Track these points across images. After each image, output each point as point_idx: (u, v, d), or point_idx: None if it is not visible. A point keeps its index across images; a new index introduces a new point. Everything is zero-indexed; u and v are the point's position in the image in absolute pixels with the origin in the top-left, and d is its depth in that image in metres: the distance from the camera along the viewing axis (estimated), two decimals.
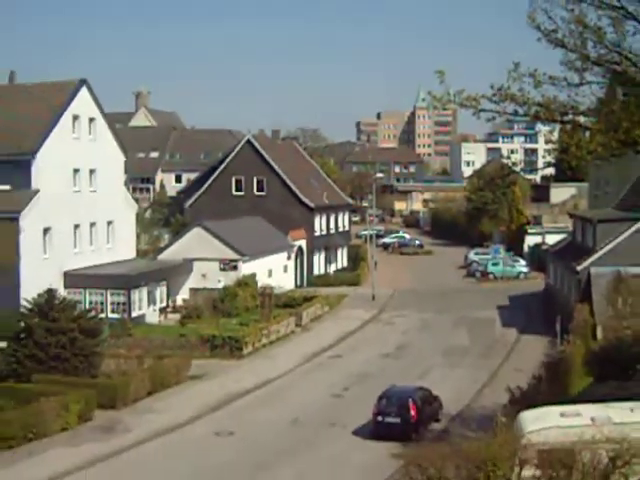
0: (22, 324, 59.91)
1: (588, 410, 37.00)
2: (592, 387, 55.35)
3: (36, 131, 77.80)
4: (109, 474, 47.23)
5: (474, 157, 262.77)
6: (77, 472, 46.70)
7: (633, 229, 74.88)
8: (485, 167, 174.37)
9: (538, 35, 22.65)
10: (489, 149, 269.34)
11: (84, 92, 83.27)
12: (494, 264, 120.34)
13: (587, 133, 22.45)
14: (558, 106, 21.12)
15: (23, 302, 63.58)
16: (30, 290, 65.39)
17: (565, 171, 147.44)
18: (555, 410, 37.91)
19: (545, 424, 35.78)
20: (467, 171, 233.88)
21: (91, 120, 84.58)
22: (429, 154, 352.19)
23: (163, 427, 54.36)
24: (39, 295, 60.98)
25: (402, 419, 50.75)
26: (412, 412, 51.03)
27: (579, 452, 32.16)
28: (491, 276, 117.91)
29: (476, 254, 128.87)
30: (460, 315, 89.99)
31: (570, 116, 21.58)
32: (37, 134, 77.57)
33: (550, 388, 51.80)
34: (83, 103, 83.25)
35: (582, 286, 74.59)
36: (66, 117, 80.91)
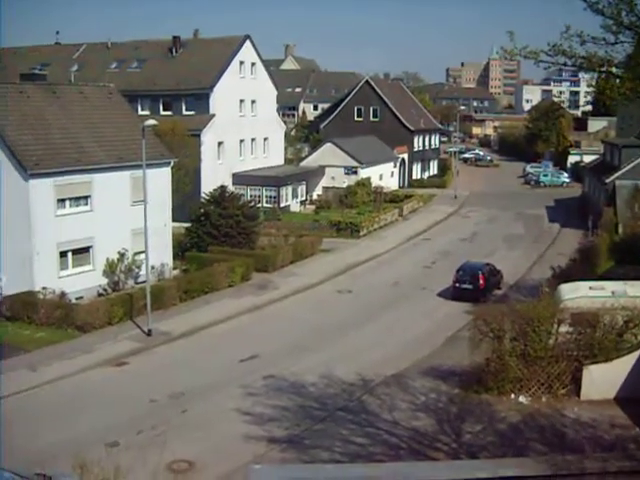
0: (202, 210, 60.61)
1: (610, 285, 36.63)
2: (613, 268, 54.62)
3: (213, 72, 78.08)
4: (263, 317, 48.06)
5: (532, 96, 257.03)
6: (240, 316, 47.59)
7: None
8: (540, 104, 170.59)
9: (584, 5, 22.23)
10: (543, 90, 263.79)
11: (248, 44, 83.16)
12: (544, 175, 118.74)
13: (618, 80, 22.00)
14: (597, 59, 20.68)
15: (203, 194, 64.32)
16: (208, 186, 66.18)
17: (600, 108, 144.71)
18: (585, 284, 37.59)
19: (577, 294, 35.51)
20: (526, 106, 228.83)
21: (252, 64, 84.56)
22: (499, 93, 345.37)
23: (301, 286, 54.93)
24: (214, 189, 61.58)
25: (473, 286, 50.64)
26: (481, 281, 50.88)
27: (602, 316, 31.90)
28: (542, 184, 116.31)
29: (531, 167, 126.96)
30: (518, 212, 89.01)
31: (606, 67, 21.15)
32: (214, 74, 77.86)
33: (582, 268, 51.21)
34: (246, 52, 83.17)
35: (609, 194, 73.33)
36: (235, 62, 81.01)
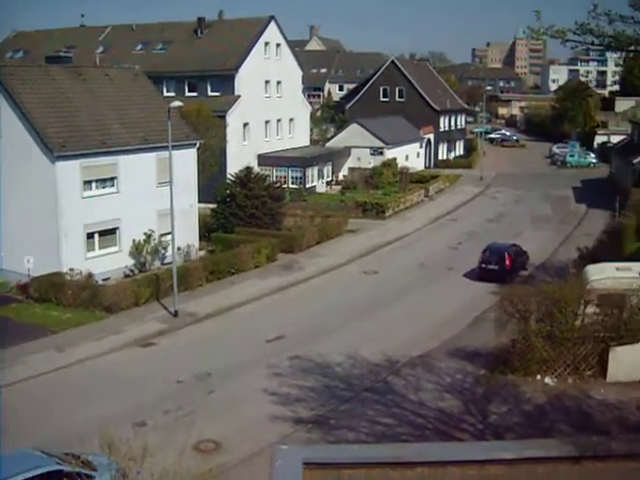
0: (228, 191, 60.74)
1: (637, 266, 36.43)
2: None
3: (238, 53, 78.02)
4: (289, 298, 48.21)
5: (558, 76, 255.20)
6: (265, 297, 47.76)
7: None
8: (567, 84, 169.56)
9: None
10: (570, 70, 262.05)
11: (272, 25, 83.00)
12: (571, 155, 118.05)
13: None
14: (626, 38, 20.49)
15: (229, 175, 64.42)
16: (234, 167, 66.18)
17: (627, 88, 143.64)
18: (612, 265, 37.41)
19: (604, 275, 35.35)
20: (553, 86, 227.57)
21: (277, 45, 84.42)
22: (525, 73, 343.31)
23: (327, 266, 54.99)
24: (240, 170, 61.65)
25: (499, 267, 50.55)
26: (507, 262, 50.79)
27: (629, 297, 31.82)
28: (568, 165, 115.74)
29: (558, 148, 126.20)
30: (544, 192, 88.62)
31: (634, 46, 20.99)
32: (239, 55, 77.79)
33: (609, 249, 50.98)
34: (271, 33, 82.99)
35: (636, 175, 73.01)
36: (260, 43, 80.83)
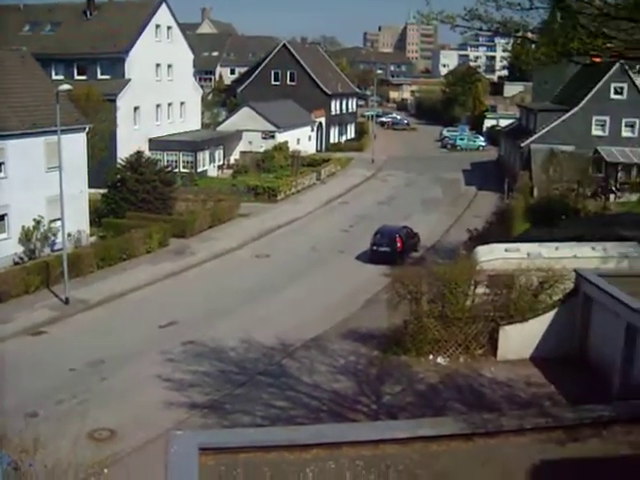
0: (118, 176, 60.07)
1: (525, 247, 37.28)
2: (529, 231, 55.56)
3: (128, 35, 76.87)
4: (181, 283, 47.98)
5: (449, 61, 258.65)
6: (158, 282, 47.43)
7: (564, 117, 74.52)
8: (457, 68, 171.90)
9: None
10: (460, 55, 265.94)
11: (164, 7, 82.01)
12: (461, 139, 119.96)
13: (533, 45, 22.23)
14: (513, 24, 20.87)
15: (119, 160, 63.68)
16: (125, 151, 65.34)
17: (516, 73, 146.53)
18: (501, 246, 38.19)
19: (494, 256, 36.09)
20: (443, 71, 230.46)
21: (169, 28, 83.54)
22: (416, 58, 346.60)
23: (219, 250, 54.85)
24: (131, 155, 61.03)
25: (391, 249, 51.10)
26: (398, 244, 51.38)
27: (517, 277, 32.50)
28: (458, 147, 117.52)
29: (448, 131, 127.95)
30: (435, 175, 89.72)
31: (522, 32, 21.36)
32: (129, 38, 76.63)
33: (498, 230, 51.99)
34: (163, 15, 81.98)
35: (524, 158, 74.48)
36: (150, 25, 79.77)
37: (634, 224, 47.11)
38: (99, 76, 75.67)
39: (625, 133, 74.56)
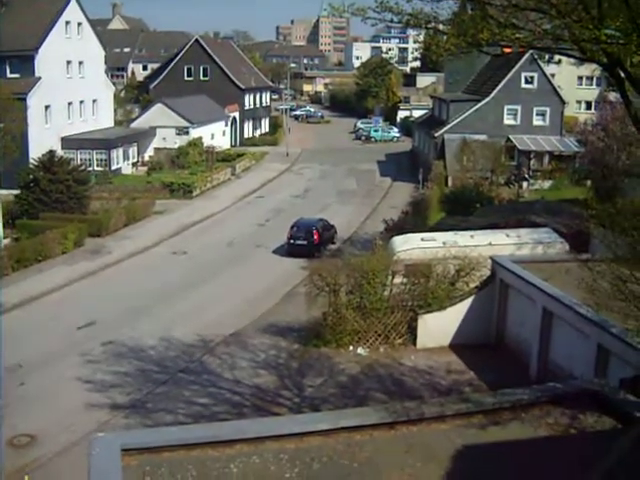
0: (31, 176, 59.25)
1: (441, 236, 37.74)
2: (444, 219, 56.18)
3: (37, 33, 75.74)
4: (98, 283, 47.47)
5: (362, 53, 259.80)
6: (74, 283, 46.88)
7: (475, 107, 75.51)
8: (370, 60, 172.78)
9: None
10: (373, 47, 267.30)
11: (73, 3, 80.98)
12: (375, 130, 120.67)
13: (444, 37, 22.42)
14: (424, 16, 21.02)
15: (31, 160, 62.79)
16: (37, 151, 64.44)
17: (427, 64, 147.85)
18: (417, 236, 38.62)
19: (410, 246, 36.45)
20: (356, 63, 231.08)
21: (79, 24, 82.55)
22: (329, 50, 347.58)
23: (136, 249, 54.44)
24: (43, 155, 60.21)
25: (308, 242, 51.29)
26: (315, 237, 51.56)
27: (434, 266, 32.87)
28: (373, 139, 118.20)
29: (362, 123, 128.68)
30: (350, 167, 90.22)
31: (432, 24, 21.53)
32: (38, 35, 75.54)
33: (414, 220, 52.51)
34: (73, 11, 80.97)
35: (438, 148, 75.26)
36: (60, 22, 78.72)
37: (547, 211, 47.92)
38: (8, 75, 74.39)
39: (536, 122, 75.89)
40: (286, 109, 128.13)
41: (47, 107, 76.08)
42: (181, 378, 31.85)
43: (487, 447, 16.60)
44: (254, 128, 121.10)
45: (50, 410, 29.14)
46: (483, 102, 75.62)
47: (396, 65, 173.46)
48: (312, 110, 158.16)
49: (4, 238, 53.87)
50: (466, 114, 75.26)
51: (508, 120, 75.37)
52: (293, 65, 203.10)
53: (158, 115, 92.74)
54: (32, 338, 37.30)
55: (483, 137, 71.89)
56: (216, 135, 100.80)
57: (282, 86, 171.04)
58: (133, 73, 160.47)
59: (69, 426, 27.61)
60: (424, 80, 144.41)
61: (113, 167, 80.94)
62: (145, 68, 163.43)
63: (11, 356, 34.48)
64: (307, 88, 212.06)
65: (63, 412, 28.88)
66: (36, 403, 29.76)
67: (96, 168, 78.23)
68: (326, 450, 16.01)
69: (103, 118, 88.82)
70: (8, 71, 74.83)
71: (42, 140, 70.76)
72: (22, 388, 31.44)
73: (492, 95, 75.36)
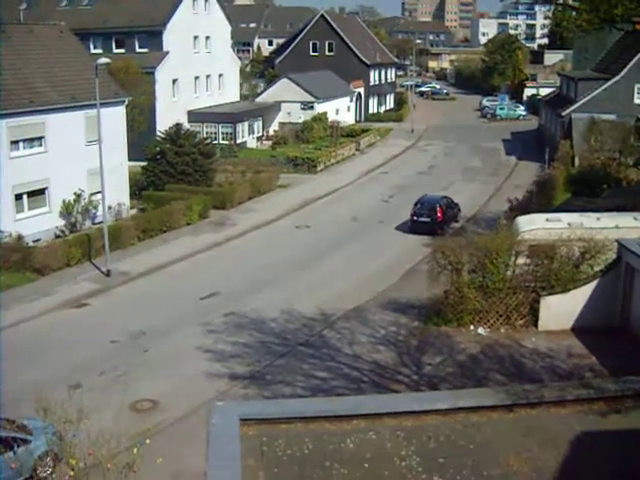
0: (158, 148, 60.27)
1: (566, 217, 36.96)
2: (570, 200, 55.12)
3: (166, 8, 76.95)
4: (222, 255, 48.08)
5: (488, 29, 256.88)
6: (198, 254, 47.58)
7: (605, 86, 73.58)
8: (496, 37, 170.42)
9: None
10: (499, 24, 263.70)
11: None
12: (501, 108, 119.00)
13: (575, 12, 21.86)
14: None
15: (159, 132, 63.87)
16: (164, 124, 65.55)
17: (556, 41, 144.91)
18: (542, 216, 37.92)
19: (534, 226, 35.80)
20: (482, 40, 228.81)
21: (206, 0, 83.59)
22: (455, 26, 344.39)
23: (259, 222, 54.91)
24: (170, 127, 61.19)
25: (431, 219, 50.85)
26: (439, 214, 51.13)
27: (558, 247, 32.25)
28: (498, 117, 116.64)
29: (488, 101, 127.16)
30: (474, 145, 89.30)
31: None
32: (166, 10, 76.75)
33: (539, 200, 51.61)
34: None
35: (565, 127, 73.71)
36: None
37: None
38: (137, 49, 76.00)
39: None
40: (411, 85, 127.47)
41: (174, 81, 77.33)
42: (300, 351, 32.02)
43: (607, 435, 16.18)
44: (379, 104, 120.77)
45: (171, 377, 29.66)
46: (613, 80, 73.57)
47: (523, 42, 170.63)
48: (437, 87, 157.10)
49: (131, 208, 55.02)
50: (595, 93, 73.40)
51: (638, 99, 73.23)
52: (418, 41, 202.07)
53: (283, 90, 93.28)
54: (156, 306, 38.07)
55: (612, 117, 69.99)
56: (341, 110, 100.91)
57: (407, 62, 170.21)
58: (259, 48, 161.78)
59: (189, 393, 28.06)
60: (552, 57, 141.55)
61: (238, 141, 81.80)
62: (271, 43, 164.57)
63: (136, 323, 35.37)
64: (432, 65, 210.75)
65: (184, 380, 29.37)
66: (158, 370, 30.35)
67: (221, 141, 79.24)
68: (443, 429, 15.86)
69: (229, 92, 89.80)
70: (137, 46, 76.39)
71: (169, 113, 72.03)
72: (146, 355, 32.12)
73: (622, 74, 73.22)
